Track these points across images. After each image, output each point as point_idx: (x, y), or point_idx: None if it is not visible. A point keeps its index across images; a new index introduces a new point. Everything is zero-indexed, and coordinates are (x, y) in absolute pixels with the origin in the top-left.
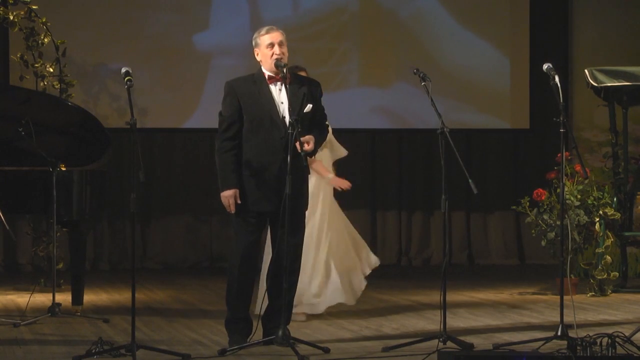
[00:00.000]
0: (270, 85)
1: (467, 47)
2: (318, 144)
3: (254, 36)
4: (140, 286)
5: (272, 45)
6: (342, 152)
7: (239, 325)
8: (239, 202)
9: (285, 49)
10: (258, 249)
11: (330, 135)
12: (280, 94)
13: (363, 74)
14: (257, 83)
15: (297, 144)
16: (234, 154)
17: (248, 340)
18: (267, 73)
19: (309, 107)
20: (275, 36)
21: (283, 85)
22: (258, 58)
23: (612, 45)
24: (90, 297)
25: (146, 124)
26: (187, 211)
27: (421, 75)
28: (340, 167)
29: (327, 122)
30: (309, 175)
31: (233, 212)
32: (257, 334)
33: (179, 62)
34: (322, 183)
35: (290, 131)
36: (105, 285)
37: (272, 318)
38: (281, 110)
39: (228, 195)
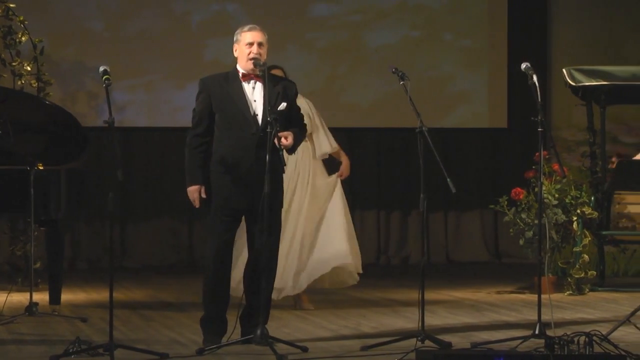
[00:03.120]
0: (244, 83)
1: (446, 45)
2: (298, 140)
3: (236, 32)
4: (118, 285)
5: (251, 44)
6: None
7: (214, 324)
8: (203, 196)
9: (264, 50)
10: (232, 248)
11: (321, 127)
12: (253, 92)
13: (341, 72)
14: (230, 80)
15: (276, 140)
16: (202, 150)
17: (224, 340)
18: (241, 71)
19: (283, 105)
20: (257, 36)
21: (257, 83)
22: (235, 54)
23: (590, 45)
24: (68, 297)
25: (124, 123)
26: (167, 210)
27: (400, 74)
28: None
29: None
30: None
31: (197, 207)
32: (236, 332)
33: (158, 60)
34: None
35: (268, 130)
36: (84, 285)
37: (250, 317)
38: (253, 107)
39: (193, 190)
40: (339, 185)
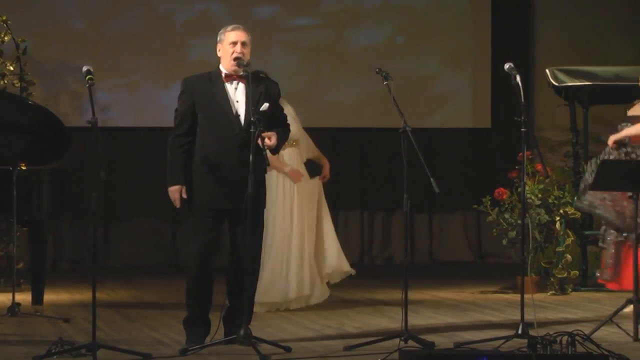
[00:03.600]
0: (226, 84)
1: (429, 46)
2: (281, 140)
3: (220, 31)
4: (101, 286)
5: (234, 43)
6: (315, 151)
7: (197, 325)
8: (184, 197)
9: (247, 50)
10: (216, 249)
11: (304, 134)
12: (236, 92)
13: (325, 72)
14: (213, 80)
15: (259, 140)
16: (184, 150)
17: (207, 340)
18: (224, 71)
19: (265, 105)
20: (240, 35)
21: (239, 83)
22: (219, 54)
23: (574, 45)
24: (50, 297)
25: (108, 123)
26: (150, 210)
27: (383, 74)
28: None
29: (292, 120)
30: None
31: (178, 206)
32: (219, 333)
33: (142, 60)
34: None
35: (252, 130)
36: (66, 285)
37: (233, 317)
38: (236, 108)
39: (174, 190)
40: (322, 188)
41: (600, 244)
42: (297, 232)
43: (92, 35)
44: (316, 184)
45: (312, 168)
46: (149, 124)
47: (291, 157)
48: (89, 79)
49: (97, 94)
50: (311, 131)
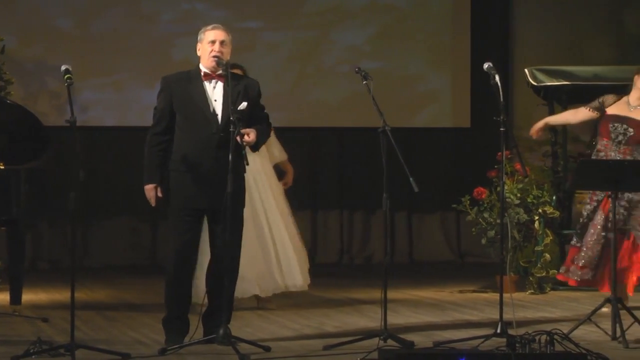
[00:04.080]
0: (205, 82)
1: (409, 45)
2: (262, 136)
3: (200, 31)
4: (80, 285)
5: (213, 42)
6: (283, 156)
7: (176, 324)
8: (160, 195)
9: (226, 49)
10: (195, 248)
11: (273, 136)
12: (214, 91)
13: (309, 72)
14: (192, 79)
15: (238, 137)
16: (161, 149)
17: (186, 339)
18: (203, 69)
19: (243, 104)
20: (219, 34)
21: (218, 82)
22: (199, 53)
23: (552, 45)
24: (29, 297)
25: (87, 122)
26: (129, 210)
27: (363, 74)
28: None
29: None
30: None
31: (154, 205)
32: (198, 332)
33: (127, 59)
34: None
35: (231, 129)
36: (45, 285)
37: (213, 317)
38: (213, 107)
39: (150, 189)
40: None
41: (574, 242)
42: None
43: (76, 34)
44: (281, 188)
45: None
46: (133, 123)
47: (261, 157)
48: (68, 78)
49: (82, 93)
50: (292, 131)
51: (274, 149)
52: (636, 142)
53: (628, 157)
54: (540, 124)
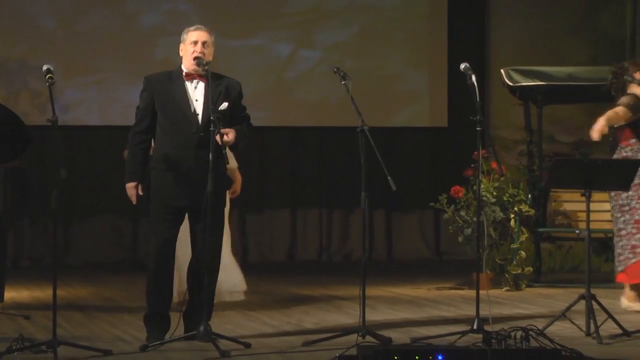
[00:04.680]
0: (187, 82)
1: (387, 46)
2: (242, 136)
3: (183, 31)
4: (62, 283)
5: (195, 43)
6: (233, 164)
7: (157, 321)
8: (140, 193)
9: (208, 50)
10: (175, 246)
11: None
12: (195, 91)
13: (291, 71)
14: (173, 79)
15: (218, 137)
16: (143, 147)
17: (167, 336)
18: (185, 70)
19: (224, 105)
20: (201, 35)
21: (199, 82)
22: (181, 54)
23: (528, 46)
24: (11, 294)
25: (68, 122)
26: (110, 208)
27: (341, 74)
28: (262, 165)
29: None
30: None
31: (135, 203)
32: (179, 329)
33: (110, 59)
34: None
35: (211, 129)
36: (27, 282)
37: (193, 314)
38: (194, 106)
39: (131, 187)
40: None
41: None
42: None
43: (60, 34)
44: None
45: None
46: (116, 122)
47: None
48: (49, 77)
49: (66, 92)
50: (273, 130)
51: (232, 156)
52: None
53: None
54: (600, 125)
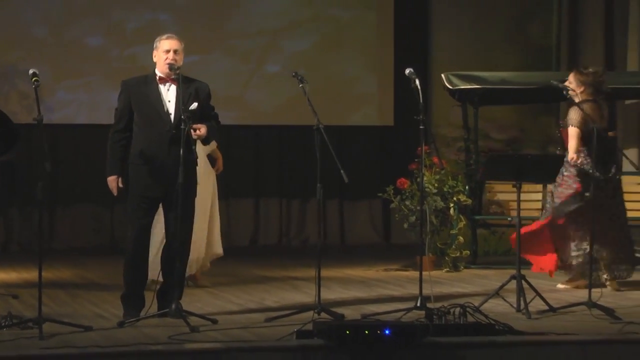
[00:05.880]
0: (160, 85)
1: (341, 54)
2: (212, 131)
3: (156, 39)
4: (47, 266)
5: (168, 51)
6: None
7: (133, 300)
8: (121, 186)
9: (179, 56)
10: (150, 232)
11: None
12: (168, 93)
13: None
14: (148, 83)
15: (191, 132)
16: (122, 144)
17: (142, 313)
18: (158, 74)
19: (194, 105)
20: (173, 44)
21: (172, 85)
22: (155, 59)
23: (466, 53)
24: (1, 276)
25: (52, 120)
26: (91, 198)
27: (299, 78)
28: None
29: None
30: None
31: (115, 195)
32: (153, 307)
33: (97, 63)
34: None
35: (182, 127)
36: (15, 265)
37: (166, 293)
38: (167, 107)
39: (112, 180)
40: (215, 179)
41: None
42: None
43: (51, 41)
44: (213, 174)
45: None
46: (102, 121)
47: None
48: (35, 80)
49: (57, 93)
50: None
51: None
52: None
53: None
54: (573, 152)
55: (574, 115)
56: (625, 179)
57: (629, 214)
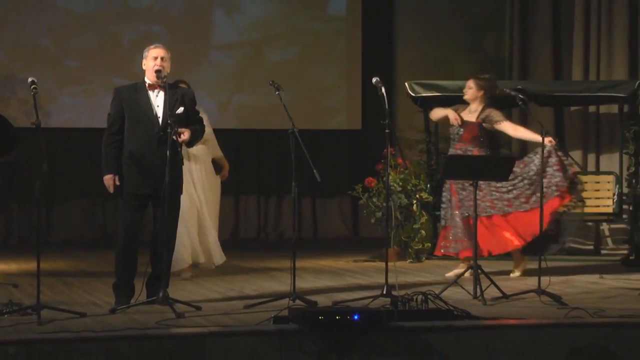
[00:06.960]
0: (149, 92)
1: (314, 65)
2: (195, 134)
3: (145, 49)
4: (44, 257)
5: (155, 58)
6: (218, 153)
7: (124, 289)
8: (117, 184)
9: (166, 64)
10: (140, 227)
11: (212, 136)
12: (156, 99)
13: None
14: (138, 89)
15: (175, 135)
16: (116, 146)
17: (132, 301)
18: (147, 81)
19: (180, 109)
20: (160, 52)
21: (160, 91)
22: (144, 67)
23: (427, 64)
24: (2, 267)
25: (49, 124)
26: (85, 195)
27: (276, 85)
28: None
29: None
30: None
31: (112, 192)
32: (142, 295)
33: (96, 71)
34: (193, 170)
35: (168, 130)
36: (15, 257)
37: (154, 282)
38: (156, 111)
39: (108, 179)
40: (220, 185)
41: (443, 223)
42: (204, 213)
43: (55, 51)
44: (218, 180)
45: (214, 167)
46: (102, 125)
47: (202, 152)
48: (33, 87)
49: (59, 99)
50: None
51: (215, 145)
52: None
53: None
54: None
55: (496, 113)
56: (584, 178)
57: (586, 210)
